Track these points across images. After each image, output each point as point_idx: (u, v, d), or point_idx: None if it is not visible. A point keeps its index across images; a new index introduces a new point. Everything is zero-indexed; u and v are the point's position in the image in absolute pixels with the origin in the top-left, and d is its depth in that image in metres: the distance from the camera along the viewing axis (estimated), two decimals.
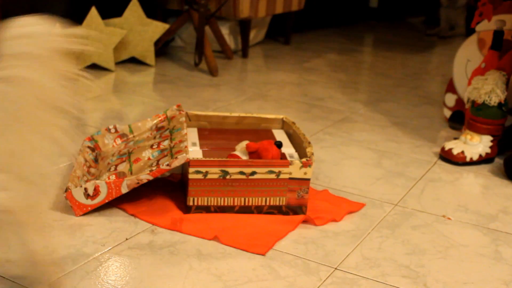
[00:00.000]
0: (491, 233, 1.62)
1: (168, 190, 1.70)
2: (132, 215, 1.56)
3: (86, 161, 1.73)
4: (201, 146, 1.74)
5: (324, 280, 1.34)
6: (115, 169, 1.63)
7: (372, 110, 2.65)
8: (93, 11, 2.81)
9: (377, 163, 2.05)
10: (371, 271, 1.39)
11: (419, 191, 1.84)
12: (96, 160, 1.78)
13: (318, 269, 1.39)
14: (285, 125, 1.90)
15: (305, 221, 1.59)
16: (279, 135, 1.85)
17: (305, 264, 1.41)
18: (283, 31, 3.96)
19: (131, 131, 1.85)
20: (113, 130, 1.85)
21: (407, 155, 2.13)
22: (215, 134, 1.83)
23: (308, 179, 1.58)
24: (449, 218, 1.68)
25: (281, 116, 1.90)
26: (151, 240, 1.46)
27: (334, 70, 3.38)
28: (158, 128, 1.79)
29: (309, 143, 1.67)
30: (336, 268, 1.40)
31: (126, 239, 1.45)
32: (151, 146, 1.68)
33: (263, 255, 1.42)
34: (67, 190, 1.53)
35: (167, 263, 1.37)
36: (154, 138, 1.73)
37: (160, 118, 1.83)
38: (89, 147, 1.80)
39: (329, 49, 3.92)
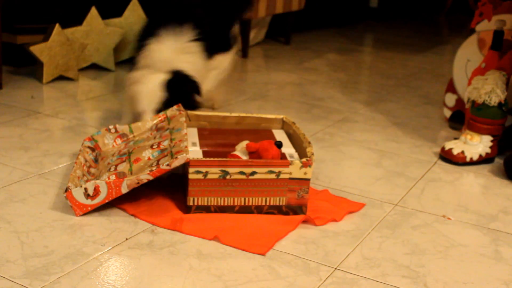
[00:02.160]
0: (491, 233, 1.62)
1: (168, 190, 1.70)
2: (132, 215, 1.56)
3: (86, 161, 1.73)
4: (201, 146, 1.74)
5: (324, 280, 1.34)
6: (115, 169, 1.63)
7: (372, 110, 2.65)
8: (93, 11, 2.81)
9: (377, 163, 2.05)
10: (371, 271, 1.39)
11: (419, 191, 1.84)
12: (96, 160, 1.78)
13: (318, 269, 1.39)
14: (285, 125, 1.89)
15: (305, 221, 1.59)
16: (279, 135, 1.85)
17: (305, 264, 1.41)
18: (283, 31, 3.96)
19: (131, 131, 1.85)
20: (113, 130, 1.85)
21: (407, 155, 2.13)
22: (215, 134, 1.83)
23: (308, 179, 1.58)
24: (449, 218, 1.68)
25: (281, 116, 1.90)
26: (151, 240, 1.46)
27: (334, 70, 3.38)
28: (158, 128, 1.79)
29: (309, 143, 1.67)
30: (336, 268, 1.40)
31: (126, 239, 1.45)
32: (151, 146, 1.68)
33: (263, 255, 1.42)
34: (67, 190, 1.53)
35: (167, 263, 1.37)
36: (154, 138, 1.73)
37: (160, 118, 1.83)
38: (89, 147, 1.80)
39: (329, 49, 3.92)
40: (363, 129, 2.38)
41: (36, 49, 2.57)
